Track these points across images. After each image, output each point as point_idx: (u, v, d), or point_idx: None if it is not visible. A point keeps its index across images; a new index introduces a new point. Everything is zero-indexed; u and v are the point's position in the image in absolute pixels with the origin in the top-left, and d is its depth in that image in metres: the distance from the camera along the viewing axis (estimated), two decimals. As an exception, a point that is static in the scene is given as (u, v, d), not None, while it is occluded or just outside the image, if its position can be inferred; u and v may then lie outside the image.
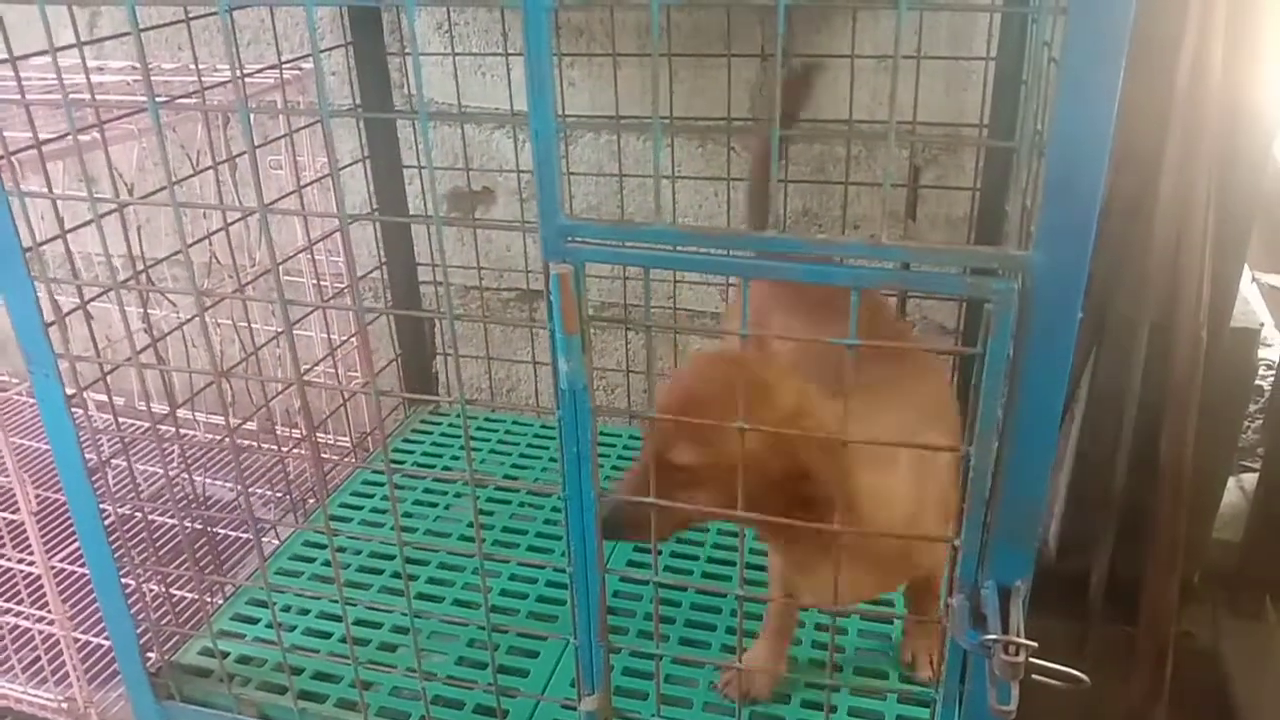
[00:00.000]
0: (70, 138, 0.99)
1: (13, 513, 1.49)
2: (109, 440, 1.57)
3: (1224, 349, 1.64)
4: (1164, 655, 1.62)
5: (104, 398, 1.19)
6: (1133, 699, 1.63)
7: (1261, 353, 1.78)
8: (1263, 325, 1.70)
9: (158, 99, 0.91)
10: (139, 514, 1.21)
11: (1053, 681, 0.77)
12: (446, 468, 1.76)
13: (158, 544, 1.65)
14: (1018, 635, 0.77)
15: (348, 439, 1.99)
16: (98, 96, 1.45)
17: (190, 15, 1.31)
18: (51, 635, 1.59)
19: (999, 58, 1.44)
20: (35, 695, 1.66)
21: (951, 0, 1.55)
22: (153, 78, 1.09)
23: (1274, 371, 2.08)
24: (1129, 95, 0.63)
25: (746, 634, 1.33)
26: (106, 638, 1.38)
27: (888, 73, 1.63)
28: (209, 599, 1.42)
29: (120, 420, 1.22)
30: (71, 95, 0.97)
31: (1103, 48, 0.62)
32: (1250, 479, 1.96)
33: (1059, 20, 0.67)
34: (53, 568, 1.53)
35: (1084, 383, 1.75)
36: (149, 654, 1.27)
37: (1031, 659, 0.76)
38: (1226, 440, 1.76)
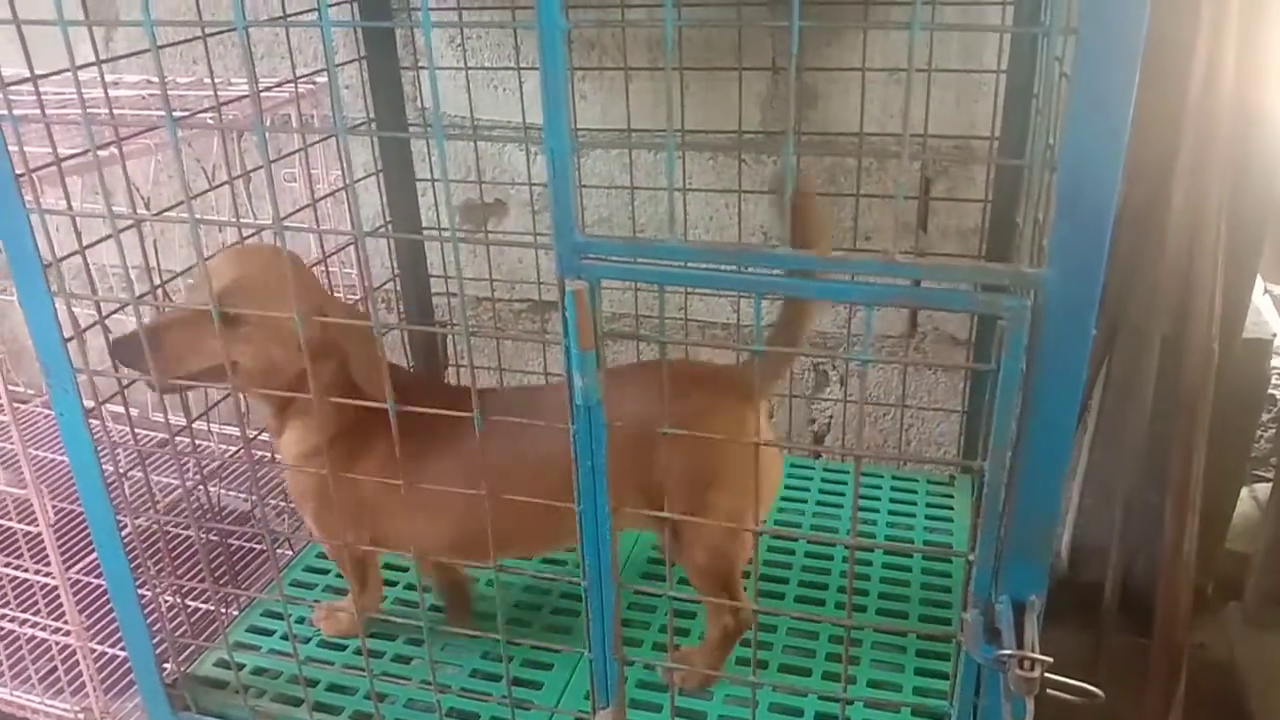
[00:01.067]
0: (90, 154, 1.00)
1: (31, 524, 1.50)
2: (126, 453, 1.58)
3: (1236, 360, 1.63)
4: (1178, 666, 1.61)
5: (121, 410, 1.20)
6: (1146, 710, 1.63)
7: (1274, 363, 1.77)
8: (1275, 335, 1.70)
9: (174, 114, 0.92)
10: (155, 526, 1.22)
11: (1068, 696, 0.78)
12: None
13: (174, 556, 1.66)
14: (1032, 650, 0.77)
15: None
16: (115, 112, 1.47)
17: (207, 32, 1.32)
18: (68, 646, 1.60)
19: (1010, 71, 1.45)
20: (52, 705, 1.67)
21: (962, 21, 1.55)
22: (168, 93, 1.10)
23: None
24: (1141, 105, 0.64)
25: (761, 646, 1.34)
26: (123, 649, 1.39)
27: (899, 85, 1.63)
28: (225, 611, 1.43)
29: (137, 432, 1.24)
30: (89, 111, 0.98)
31: (1114, 68, 0.62)
32: (1263, 489, 1.95)
33: (1070, 36, 0.68)
34: (70, 579, 1.54)
35: (1096, 394, 1.75)
36: (165, 665, 1.27)
37: (1046, 673, 0.76)
38: (1239, 451, 1.76)
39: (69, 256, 1.12)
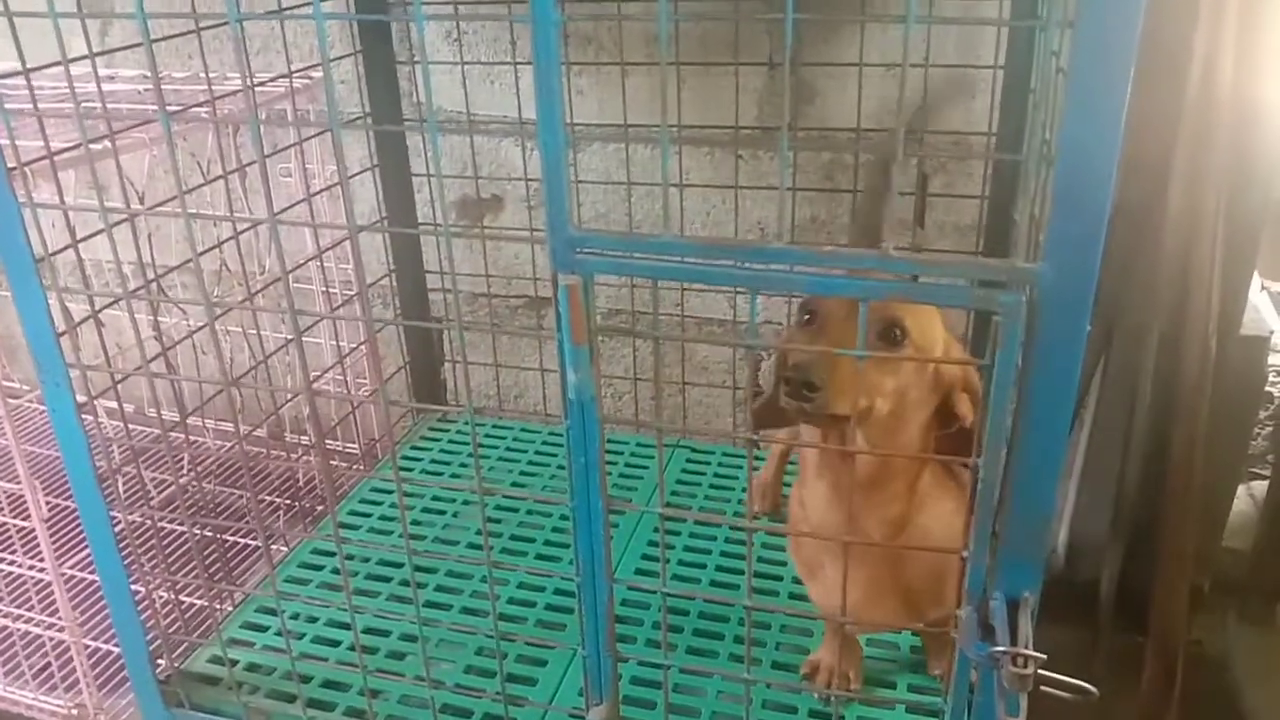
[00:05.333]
0: (83, 147, 1.00)
1: (24, 519, 1.49)
2: (119, 448, 1.57)
3: (1233, 357, 1.63)
4: (1174, 663, 1.61)
5: (114, 405, 1.20)
6: (1143, 708, 1.63)
7: (1271, 360, 1.77)
8: (1272, 333, 1.69)
9: (169, 108, 0.91)
10: (149, 521, 1.21)
11: (1062, 693, 0.77)
12: (455, 475, 1.77)
13: (167, 551, 1.65)
14: (1026, 647, 0.76)
15: (356, 446, 2.00)
16: (109, 106, 1.46)
17: (201, 26, 1.31)
18: (61, 642, 1.60)
19: (1007, 66, 1.44)
20: (45, 701, 1.67)
21: (958, 15, 1.55)
22: (163, 87, 1.09)
23: (1284, 378, 2.08)
24: (1138, 103, 0.63)
25: (755, 643, 1.34)
26: (116, 645, 1.39)
27: (896, 80, 1.63)
28: (218, 606, 1.43)
29: (131, 428, 1.23)
30: (83, 104, 0.97)
31: (1110, 61, 0.62)
32: (1260, 487, 1.95)
33: (1067, 31, 0.67)
34: (63, 574, 1.54)
35: (1093, 390, 1.75)
36: (158, 661, 1.27)
37: (1040, 670, 0.76)
38: (1236, 448, 1.75)
39: (61, 251, 1.11)
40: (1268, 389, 2.21)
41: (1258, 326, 1.68)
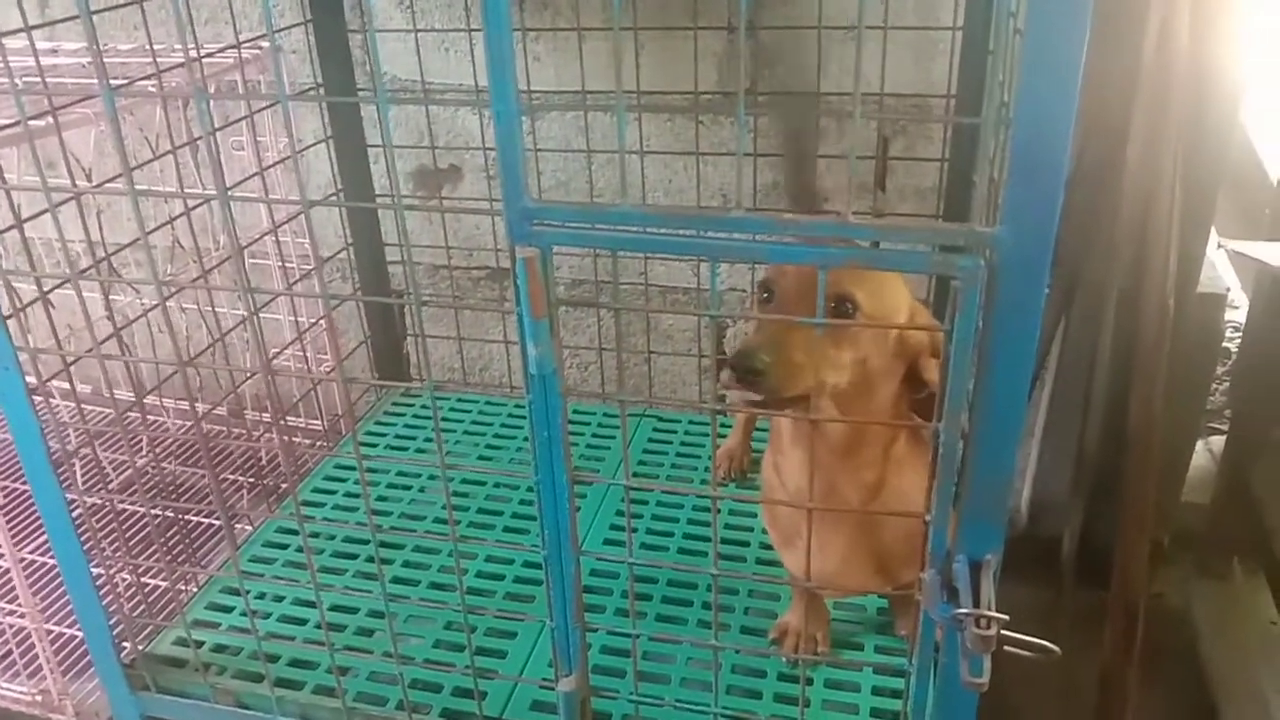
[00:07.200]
0: (22, 125, 0.97)
1: (-21, 506, 1.47)
2: (75, 431, 1.54)
3: (1191, 314, 1.65)
4: (1135, 617, 1.64)
5: (68, 386, 1.17)
6: (1105, 661, 1.66)
7: (1227, 316, 1.79)
8: (1228, 290, 1.72)
9: (114, 81, 0.89)
10: (108, 504, 1.19)
11: (1025, 652, 0.78)
12: (419, 451, 1.75)
13: (128, 534, 1.63)
14: (989, 608, 0.77)
15: (319, 423, 1.98)
16: (53, 80, 1.42)
17: (144, -5, 1.28)
18: (23, 628, 1.58)
19: (966, 27, 1.44)
20: (8, 689, 1.65)
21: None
22: (108, 59, 1.06)
23: (1240, 335, 2.11)
24: (1096, 64, 0.63)
25: (723, 610, 1.34)
26: (79, 629, 1.37)
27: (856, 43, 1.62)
28: (182, 588, 1.41)
29: (86, 409, 1.21)
30: (25, 79, 0.94)
31: (1067, 23, 0.61)
32: (1218, 441, 1.98)
33: (1023, -8, 0.67)
34: (21, 559, 1.51)
35: (1054, 350, 1.77)
36: (122, 645, 1.26)
37: (1003, 630, 0.77)
38: (1195, 404, 1.78)
39: (6, 231, 1.08)
40: (1224, 345, 2.24)
41: (1214, 284, 1.70)
